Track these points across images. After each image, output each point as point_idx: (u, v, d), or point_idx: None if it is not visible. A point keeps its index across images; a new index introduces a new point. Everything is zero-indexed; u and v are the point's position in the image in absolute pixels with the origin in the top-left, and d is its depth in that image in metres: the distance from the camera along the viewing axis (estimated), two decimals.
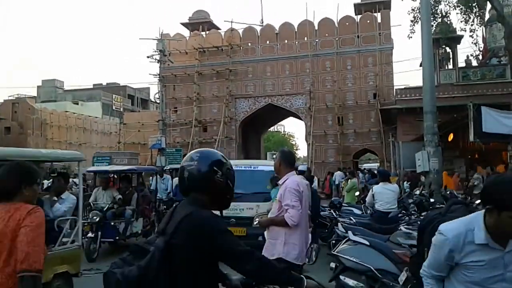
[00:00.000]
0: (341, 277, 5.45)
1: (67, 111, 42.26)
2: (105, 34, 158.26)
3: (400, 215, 8.40)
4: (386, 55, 29.30)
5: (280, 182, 4.56)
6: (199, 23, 33.43)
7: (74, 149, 39.90)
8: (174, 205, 2.14)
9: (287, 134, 69.75)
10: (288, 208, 4.22)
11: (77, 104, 47.54)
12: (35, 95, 51.14)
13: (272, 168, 7.45)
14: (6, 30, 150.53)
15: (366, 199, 9.12)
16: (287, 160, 4.61)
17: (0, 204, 2.71)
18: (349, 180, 14.02)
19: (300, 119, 31.42)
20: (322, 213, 9.45)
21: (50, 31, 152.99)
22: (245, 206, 8.52)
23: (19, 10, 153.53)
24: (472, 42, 20.30)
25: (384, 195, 8.36)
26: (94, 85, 55.79)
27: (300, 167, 9.41)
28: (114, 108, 50.46)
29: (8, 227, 2.63)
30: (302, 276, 2.13)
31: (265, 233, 4.62)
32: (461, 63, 24.95)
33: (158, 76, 29.82)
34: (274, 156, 9.54)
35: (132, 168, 12.19)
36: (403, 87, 26.45)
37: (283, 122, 45.70)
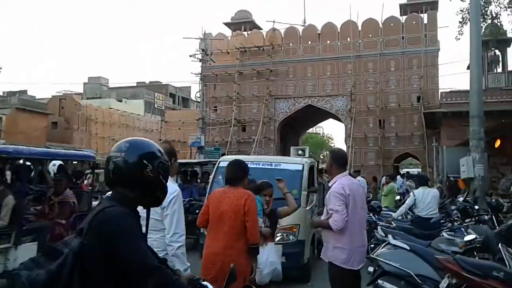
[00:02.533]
0: (380, 281, 5.33)
1: (111, 108, 43.42)
2: (150, 33, 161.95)
3: (442, 221, 8.15)
4: (432, 57, 28.50)
5: (330, 184, 4.60)
6: (241, 23, 33.63)
7: None
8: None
9: (326, 136, 69.19)
10: (332, 212, 4.27)
11: (121, 101, 48.76)
12: (81, 91, 52.80)
13: (300, 167, 7.40)
14: (57, 28, 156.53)
15: (406, 201, 8.91)
16: (339, 161, 4.58)
17: (230, 187, 4.14)
18: (388, 183, 13.78)
19: (340, 121, 31.04)
20: None
21: (98, 31, 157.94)
22: None
23: (68, 8, 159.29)
24: None
25: (425, 200, 8.15)
26: (137, 83, 57.10)
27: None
28: (156, 106, 51.47)
29: (238, 206, 3.93)
30: None
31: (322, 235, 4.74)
32: (511, 67, 24.01)
33: (199, 75, 30.24)
34: (300, 152, 9.34)
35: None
36: (448, 90, 25.70)
37: (322, 124, 45.37)
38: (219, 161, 7.99)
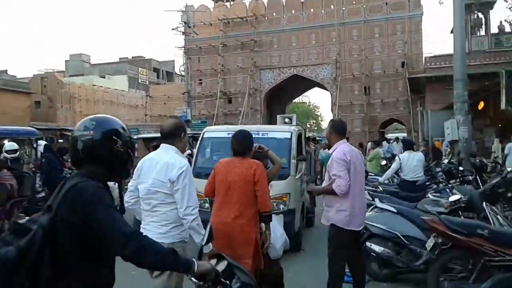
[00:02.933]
0: (368, 243, 5.47)
1: (94, 85, 42.78)
2: (130, 7, 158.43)
3: (427, 183, 8.32)
4: (416, 22, 28.47)
5: (330, 151, 4.74)
6: None
7: None
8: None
9: (312, 105, 69.22)
10: (335, 178, 4.37)
11: (104, 77, 48.03)
12: (63, 69, 51.87)
13: (288, 135, 7.25)
14: (34, 5, 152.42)
15: (392, 165, 9.05)
16: (338, 129, 4.71)
17: (237, 158, 4.14)
18: (374, 149, 13.97)
19: (326, 89, 31.09)
20: None
21: (77, 6, 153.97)
22: None
23: None
24: (506, 7, 19.42)
25: (410, 163, 8.29)
26: (120, 58, 56.22)
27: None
28: (140, 81, 50.84)
29: (248, 175, 3.99)
30: (192, 259, 1.89)
31: (323, 201, 4.81)
32: (494, 29, 24.10)
33: (183, 48, 29.88)
34: (287, 120, 9.25)
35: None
36: (432, 55, 25.77)
37: (308, 93, 45.40)
38: (204, 132, 7.80)
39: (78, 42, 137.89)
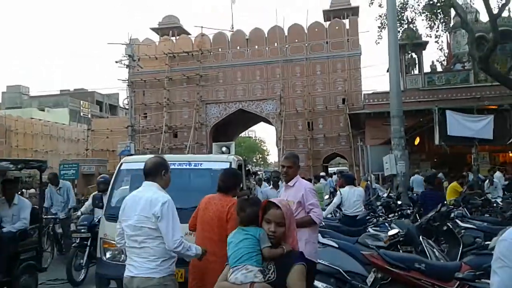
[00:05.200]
0: None
1: (32, 118, 41.16)
2: (72, 39, 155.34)
3: (368, 217, 8.51)
4: (354, 61, 29.75)
5: (291, 183, 4.62)
6: (169, 28, 33.23)
7: (40, 157, 38.89)
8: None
9: (258, 139, 69.90)
10: (313, 207, 4.38)
11: (43, 110, 46.40)
12: None
13: (226, 165, 5.97)
14: None
15: (333, 200, 9.20)
16: (298, 163, 4.80)
17: (219, 194, 4.09)
18: (315, 184, 14.21)
19: (271, 124, 31.53)
20: None
21: (14, 36, 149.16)
22: (182, 230, 5.42)
23: None
24: (437, 48, 20.76)
25: (351, 198, 8.48)
26: (61, 91, 54.63)
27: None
28: (82, 114, 49.48)
29: (222, 212, 3.89)
30: None
31: None
32: (427, 69, 25.61)
33: (127, 81, 29.46)
34: (224, 149, 8.80)
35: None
36: (371, 92, 26.93)
37: (254, 127, 45.87)
38: (121, 163, 6.38)
39: (16, 73, 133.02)
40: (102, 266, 5.67)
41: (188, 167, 5.97)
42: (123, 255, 5.10)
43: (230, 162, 6.16)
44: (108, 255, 5.61)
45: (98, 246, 5.81)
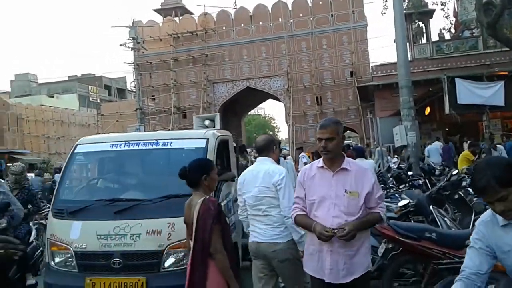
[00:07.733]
0: None
1: (42, 105, 41.51)
2: (77, 24, 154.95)
3: None
4: (361, 33, 29.33)
5: (346, 165, 3.16)
6: (172, 8, 32.94)
7: (53, 143, 39.36)
8: None
9: (268, 116, 69.81)
10: (381, 202, 3.18)
11: (53, 97, 46.68)
12: (9, 90, 50.00)
13: (202, 143, 4.87)
14: None
15: None
16: (342, 131, 3.70)
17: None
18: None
19: (279, 100, 31.42)
20: None
21: (20, 24, 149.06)
22: (144, 227, 4.24)
23: None
24: (443, 16, 20.36)
25: None
26: (69, 77, 54.82)
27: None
28: (91, 99, 49.71)
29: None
30: None
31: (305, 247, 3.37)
32: (435, 37, 25.22)
33: (133, 64, 29.46)
34: (207, 123, 7.13)
35: None
36: (378, 63, 26.64)
37: (263, 104, 45.68)
38: (75, 146, 5.38)
39: (24, 62, 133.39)
40: (50, 274, 4.56)
41: (155, 146, 4.89)
42: (75, 260, 4.36)
43: (208, 139, 4.93)
44: (57, 259, 4.51)
45: (46, 249, 4.76)
